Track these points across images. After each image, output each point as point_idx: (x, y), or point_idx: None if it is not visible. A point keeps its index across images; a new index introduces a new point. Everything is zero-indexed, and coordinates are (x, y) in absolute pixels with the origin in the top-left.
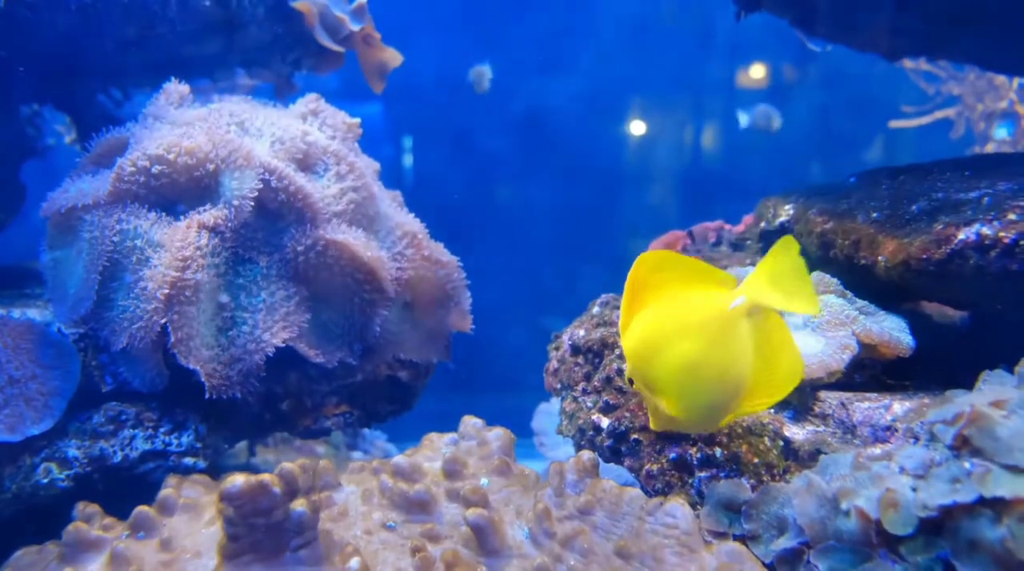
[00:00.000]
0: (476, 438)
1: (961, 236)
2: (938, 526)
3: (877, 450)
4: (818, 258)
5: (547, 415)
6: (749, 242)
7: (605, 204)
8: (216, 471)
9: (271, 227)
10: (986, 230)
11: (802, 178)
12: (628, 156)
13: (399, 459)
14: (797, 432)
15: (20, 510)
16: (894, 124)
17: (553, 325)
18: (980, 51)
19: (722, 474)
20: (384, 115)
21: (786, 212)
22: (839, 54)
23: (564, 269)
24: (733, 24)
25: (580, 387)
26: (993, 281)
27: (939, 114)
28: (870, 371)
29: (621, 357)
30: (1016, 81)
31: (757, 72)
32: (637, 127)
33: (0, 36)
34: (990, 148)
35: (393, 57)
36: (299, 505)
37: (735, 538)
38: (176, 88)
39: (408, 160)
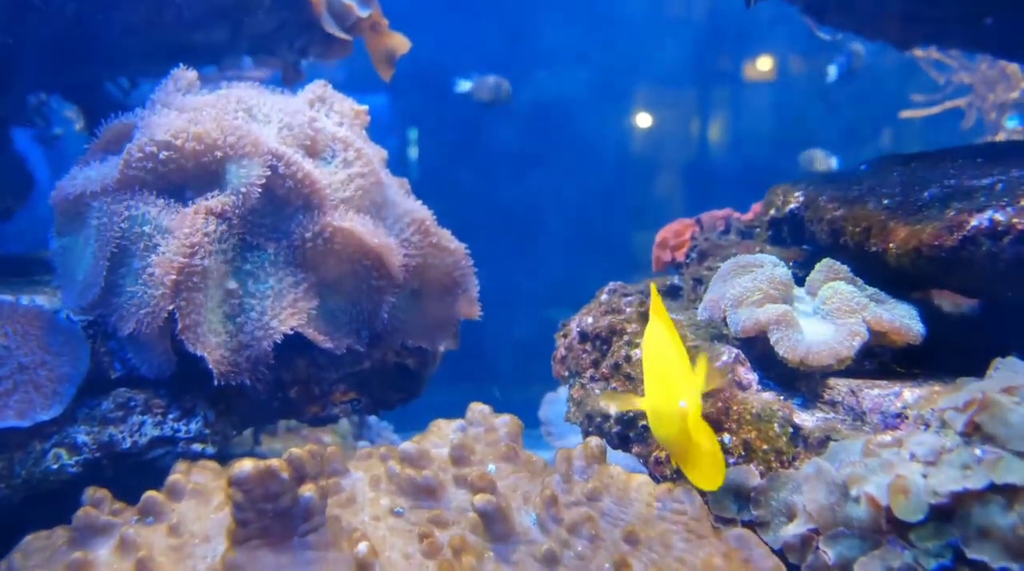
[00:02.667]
0: (483, 425)
1: (974, 222)
2: (948, 513)
3: (887, 437)
4: (828, 246)
5: (554, 405)
6: (758, 230)
7: (612, 194)
8: (224, 459)
9: (279, 213)
10: (999, 216)
11: (808, 169)
12: (635, 146)
13: (407, 445)
14: (806, 419)
15: (30, 495)
16: (905, 114)
17: (559, 316)
18: (993, 39)
19: (731, 460)
20: (390, 106)
21: (796, 199)
22: (845, 44)
23: (571, 260)
24: (740, 16)
25: (588, 374)
26: (1006, 268)
27: (949, 104)
28: (880, 358)
29: (629, 344)
30: None
31: (764, 64)
32: (644, 118)
33: (7, 22)
34: (1000, 138)
35: (401, 43)
36: (307, 490)
37: (744, 524)
38: (184, 74)
39: (414, 151)
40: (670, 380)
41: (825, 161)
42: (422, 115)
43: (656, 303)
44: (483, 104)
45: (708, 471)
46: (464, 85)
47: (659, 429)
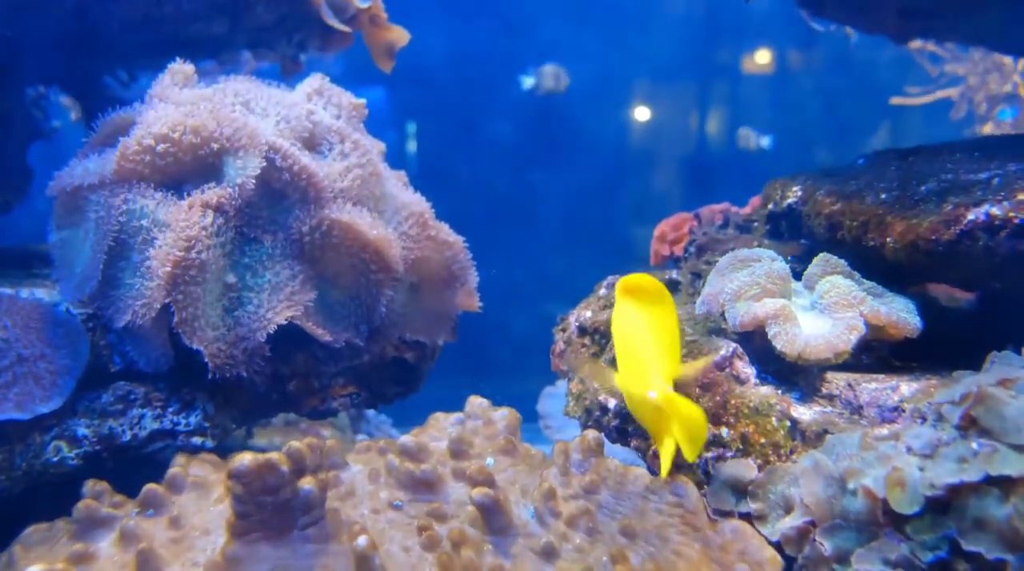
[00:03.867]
0: (482, 418)
1: (970, 216)
2: (945, 505)
3: (884, 430)
4: (826, 240)
5: (552, 398)
6: (756, 224)
7: (610, 188)
8: (223, 452)
9: (276, 206)
10: (996, 210)
11: (806, 163)
12: (633, 140)
13: (405, 439)
14: (804, 412)
15: (30, 487)
16: (895, 101)
17: (557, 310)
18: (990, 33)
19: (729, 454)
20: (388, 100)
21: (794, 194)
22: (844, 39)
23: (569, 254)
24: (738, 9)
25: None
26: (1002, 262)
27: (941, 93)
28: (877, 352)
29: None
30: (1022, 63)
31: (762, 57)
32: (642, 112)
33: (8, 16)
34: (988, 129)
35: (401, 36)
36: (307, 483)
37: (741, 517)
38: (181, 68)
39: (412, 145)
40: (640, 361)
41: (755, 139)
42: (420, 109)
43: (636, 284)
44: (544, 94)
45: (684, 443)
46: (528, 81)
47: (632, 409)
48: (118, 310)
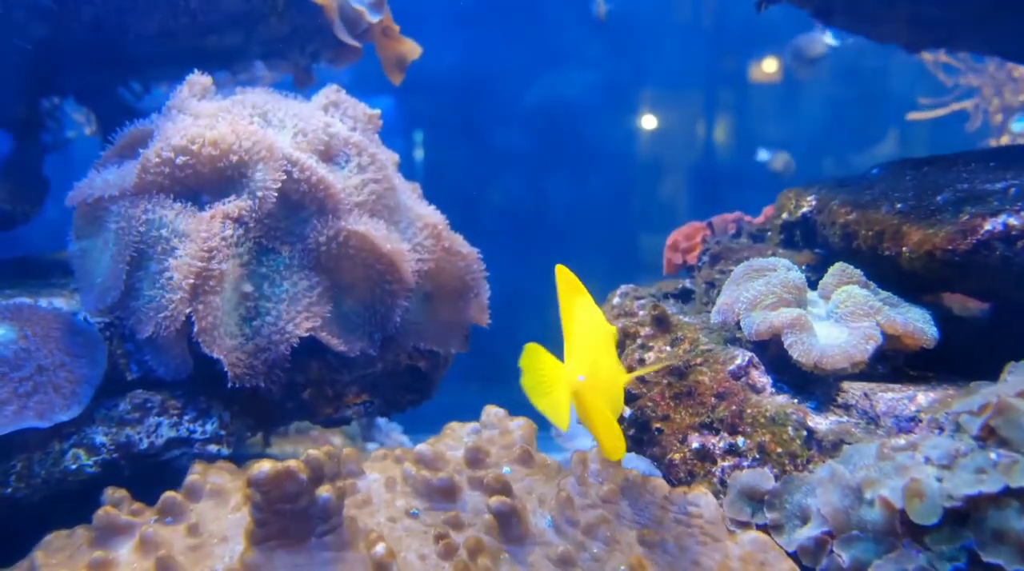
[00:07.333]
0: (498, 427)
1: (987, 226)
2: (963, 516)
3: (901, 440)
4: (841, 249)
5: None
6: (769, 233)
7: (620, 198)
8: (237, 460)
9: (294, 217)
10: (1013, 221)
11: (815, 172)
12: (642, 149)
13: (422, 447)
14: (820, 422)
15: (49, 495)
16: (912, 116)
17: None
18: (1005, 42)
19: (745, 463)
20: (396, 109)
21: (808, 203)
22: (852, 48)
23: (580, 264)
24: (746, 18)
25: None
26: (1019, 271)
27: (956, 106)
28: (893, 362)
29: (643, 347)
30: None
31: (770, 66)
32: (650, 120)
33: (27, 28)
34: (1005, 141)
35: (412, 49)
36: (325, 491)
37: (758, 527)
38: (199, 80)
39: (420, 154)
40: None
41: (783, 160)
42: (428, 118)
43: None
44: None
45: (607, 442)
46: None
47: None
48: (139, 321)
